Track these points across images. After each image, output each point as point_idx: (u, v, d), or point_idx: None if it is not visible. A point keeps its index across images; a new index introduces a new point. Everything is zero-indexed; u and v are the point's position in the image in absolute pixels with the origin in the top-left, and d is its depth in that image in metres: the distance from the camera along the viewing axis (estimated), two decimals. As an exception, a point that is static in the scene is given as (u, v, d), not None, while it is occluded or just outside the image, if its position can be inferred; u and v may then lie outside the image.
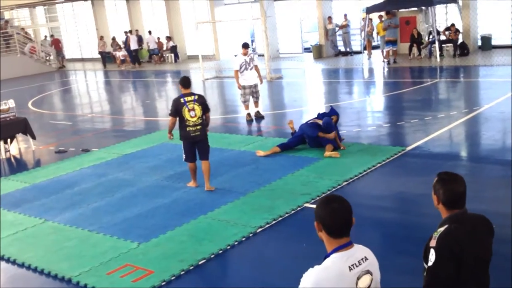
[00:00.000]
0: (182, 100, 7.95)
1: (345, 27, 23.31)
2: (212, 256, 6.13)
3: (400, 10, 21.49)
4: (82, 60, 34.02)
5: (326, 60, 22.99)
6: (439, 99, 14.39)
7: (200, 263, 6.00)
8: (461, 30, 20.11)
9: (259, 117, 13.09)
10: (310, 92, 17.34)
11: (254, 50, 25.45)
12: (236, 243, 6.40)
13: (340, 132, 10.14)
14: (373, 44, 22.65)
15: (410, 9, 21.28)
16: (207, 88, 19.09)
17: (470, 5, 20.00)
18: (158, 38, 28.44)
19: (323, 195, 7.36)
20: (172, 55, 27.88)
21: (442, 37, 20.21)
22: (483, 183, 7.49)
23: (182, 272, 5.82)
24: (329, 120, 9.72)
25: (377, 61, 21.09)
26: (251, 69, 12.81)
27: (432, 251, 2.95)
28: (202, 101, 8.05)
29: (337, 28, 23.78)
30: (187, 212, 7.43)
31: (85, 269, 6.07)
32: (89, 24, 33.09)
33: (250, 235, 6.59)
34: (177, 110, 7.94)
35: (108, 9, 31.91)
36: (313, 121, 10.02)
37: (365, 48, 22.26)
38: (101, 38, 29.60)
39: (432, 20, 19.59)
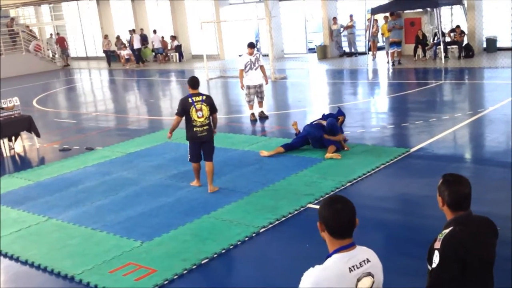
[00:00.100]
0: (190, 100, 7.91)
1: (350, 27, 23.28)
2: (215, 255, 6.13)
3: (405, 11, 21.46)
4: (87, 58, 34.08)
5: (330, 61, 22.98)
6: (444, 100, 14.37)
7: (203, 262, 6.00)
8: (466, 32, 20.06)
9: (263, 117, 13.08)
10: (314, 93, 17.33)
11: (258, 50, 25.44)
12: (239, 243, 6.41)
13: (344, 133, 10.13)
14: (378, 45, 22.60)
15: (415, 10, 21.25)
16: (211, 88, 19.10)
17: (476, 6, 19.96)
18: (162, 37, 28.46)
19: (327, 195, 7.36)
20: (177, 54, 27.91)
21: (447, 39, 20.17)
22: (487, 185, 7.47)
23: (185, 271, 5.83)
24: (333, 121, 9.70)
25: (382, 62, 21.07)
26: (256, 69, 12.80)
27: (436, 253, 2.95)
28: (209, 101, 8.02)
29: (341, 29, 23.76)
30: (191, 212, 7.44)
31: (88, 267, 6.08)
32: (94, 22, 33.15)
33: (253, 235, 6.59)
34: (184, 109, 7.91)
35: (113, 8, 31.96)
36: (317, 122, 10.01)
37: (369, 49, 22.23)
38: (106, 37, 29.64)
39: (437, 22, 19.56)
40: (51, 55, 31.71)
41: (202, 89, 17.94)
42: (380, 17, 21.33)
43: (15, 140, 12.38)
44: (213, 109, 8.09)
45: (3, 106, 11.96)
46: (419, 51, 20.53)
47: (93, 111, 17.00)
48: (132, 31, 28.46)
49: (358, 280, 2.62)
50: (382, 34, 21.17)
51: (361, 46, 23.95)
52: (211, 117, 8.05)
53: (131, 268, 5.95)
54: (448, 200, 3.08)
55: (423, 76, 18.14)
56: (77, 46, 34.85)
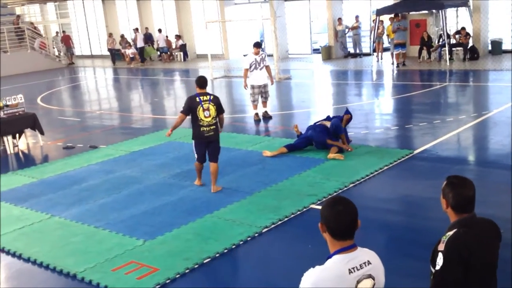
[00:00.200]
0: (197, 99, 7.86)
1: (356, 28, 23.26)
2: (217, 255, 6.13)
3: (411, 13, 21.42)
4: (92, 57, 34.15)
5: (335, 62, 22.96)
6: (448, 102, 14.34)
7: (205, 261, 6.00)
8: (471, 34, 20.02)
9: (267, 117, 13.08)
10: (319, 93, 17.32)
11: (263, 50, 25.44)
12: (241, 242, 6.41)
13: (348, 134, 10.13)
14: (384, 46, 22.54)
15: (420, 12, 21.21)
16: (216, 87, 19.10)
17: (481, 9, 19.92)
18: (166, 37, 28.50)
19: (330, 196, 7.35)
20: (181, 53, 27.93)
21: (452, 41, 20.13)
22: (491, 188, 7.45)
23: (187, 271, 5.83)
24: (337, 122, 9.68)
25: (387, 64, 21.04)
26: (261, 69, 12.79)
27: (440, 255, 2.94)
28: (217, 101, 7.97)
29: (346, 30, 23.73)
30: (193, 211, 7.44)
31: (90, 265, 6.09)
32: (99, 21, 33.22)
33: (256, 235, 6.59)
34: (190, 108, 7.86)
35: (119, 6, 32.01)
36: (320, 122, 9.99)
37: (374, 50, 22.21)
38: (110, 35, 29.72)
39: (443, 23, 19.50)
40: (57, 53, 31.78)
41: (207, 88, 17.95)
42: (386, 18, 21.29)
43: (19, 138, 12.41)
44: (220, 110, 8.05)
45: (8, 103, 11.99)
46: (424, 52, 20.49)
47: (97, 110, 17.03)
48: (136, 30, 28.52)
49: (358, 282, 2.61)
50: (388, 35, 21.13)
51: (366, 47, 23.92)
52: (217, 117, 8.01)
53: (133, 267, 5.95)
54: (452, 202, 3.07)
55: (428, 78, 18.11)
56: (82, 44, 34.92)
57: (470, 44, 19.97)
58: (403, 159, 9.07)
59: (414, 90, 15.83)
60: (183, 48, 27.92)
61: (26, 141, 12.63)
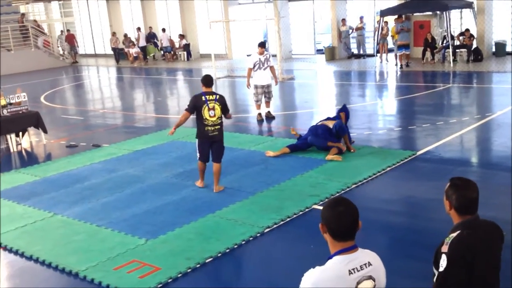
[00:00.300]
0: (203, 98, 7.80)
1: (360, 29, 23.24)
2: (219, 254, 6.13)
3: (415, 14, 21.40)
4: (95, 55, 34.20)
5: (338, 62, 22.94)
6: (451, 104, 14.32)
7: (207, 261, 6.00)
8: (475, 36, 19.99)
9: (270, 117, 13.08)
10: (322, 94, 17.31)
11: (267, 50, 25.46)
12: (243, 242, 6.41)
13: (351, 134, 10.12)
14: (389, 47, 22.49)
15: (424, 13, 21.18)
16: (219, 87, 19.11)
17: (486, 10, 19.88)
18: (169, 36, 28.54)
19: (332, 197, 7.34)
20: (185, 53, 27.95)
21: (456, 42, 20.10)
22: (494, 190, 7.44)
23: (189, 270, 5.83)
24: (340, 124, 9.68)
25: (390, 65, 21.02)
26: (264, 69, 12.78)
27: (443, 257, 2.94)
28: (222, 101, 7.93)
29: (350, 30, 23.72)
30: (196, 210, 7.44)
31: (93, 263, 6.09)
32: (103, 20, 33.26)
33: (258, 235, 6.59)
34: (195, 106, 7.80)
35: (123, 6, 32.05)
36: (322, 123, 9.99)
37: (378, 51, 22.18)
38: (114, 34, 29.76)
39: (447, 25, 19.49)
40: (61, 52, 31.84)
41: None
42: (391, 19, 21.24)
43: (23, 136, 12.44)
44: (225, 110, 8.02)
45: (11, 101, 12.01)
46: (428, 54, 20.45)
47: (100, 108, 17.05)
48: (138, 29, 28.58)
49: (358, 283, 2.60)
50: (392, 37, 21.10)
51: (370, 48, 23.89)
52: (222, 118, 7.97)
53: (135, 266, 5.96)
54: (455, 204, 3.06)
55: (431, 79, 18.08)
56: (86, 43, 34.98)
57: (474, 46, 19.94)
58: (406, 160, 9.06)
59: (417, 91, 15.81)
60: (186, 47, 27.94)
61: (29, 140, 12.65)
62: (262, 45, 12.95)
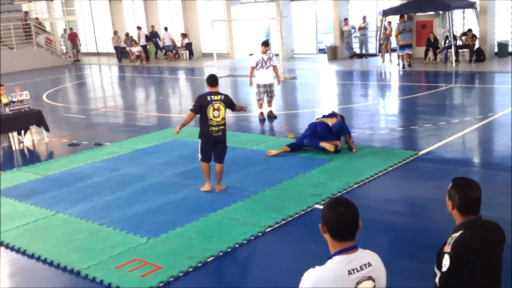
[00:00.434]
0: (208, 98, 7.74)
1: (363, 29, 23.22)
2: (221, 253, 6.14)
3: (417, 14, 21.38)
4: (98, 54, 34.22)
5: (340, 62, 22.93)
6: (454, 104, 14.31)
7: (208, 260, 6.00)
8: (477, 36, 19.96)
9: (271, 116, 13.07)
10: (324, 93, 17.31)
11: (269, 49, 25.46)
12: (245, 241, 6.41)
13: (352, 134, 10.12)
14: (392, 47, 22.45)
15: (427, 13, 21.16)
16: (221, 86, 19.09)
17: (488, 10, 19.86)
18: (172, 35, 28.57)
19: (334, 196, 7.33)
20: (187, 52, 27.95)
21: (459, 42, 20.08)
22: (495, 190, 7.42)
23: (190, 269, 5.83)
24: (340, 123, 9.69)
25: (393, 64, 21.00)
26: (267, 68, 12.78)
27: (446, 257, 2.94)
28: (227, 100, 7.88)
29: (352, 30, 23.70)
30: (197, 209, 7.44)
31: (94, 262, 6.10)
32: (106, 18, 33.28)
33: (259, 234, 6.59)
34: (200, 107, 7.74)
35: (125, 4, 32.05)
36: (321, 120, 10.02)
37: (380, 51, 22.16)
38: (115, 33, 29.80)
39: (449, 25, 19.46)
40: (64, 50, 31.88)
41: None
42: (395, 19, 21.20)
43: (25, 134, 12.45)
44: (232, 107, 8.00)
45: (13, 99, 12.03)
46: (430, 54, 20.44)
47: (102, 107, 17.06)
48: (138, 28, 28.63)
49: (358, 283, 2.60)
50: (396, 36, 21.07)
51: (372, 47, 23.88)
52: (225, 117, 7.92)
53: (136, 264, 5.96)
54: (458, 204, 3.07)
55: (434, 79, 18.07)
56: (88, 41, 35.00)
57: (477, 46, 19.92)
58: (408, 160, 9.05)
59: (419, 91, 15.80)
60: (188, 46, 27.94)
61: (31, 138, 12.67)
62: (266, 44, 12.93)
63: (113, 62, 29.86)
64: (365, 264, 2.64)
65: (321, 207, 7.17)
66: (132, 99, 18.91)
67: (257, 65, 12.75)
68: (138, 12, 31.34)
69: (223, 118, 7.85)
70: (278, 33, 19.56)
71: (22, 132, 12.33)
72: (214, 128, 7.79)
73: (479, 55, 19.63)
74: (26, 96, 12.27)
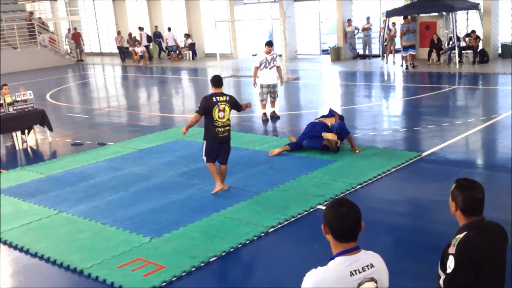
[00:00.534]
0: (214, 99, 7.72)
1: (367, 30, 23.21)
2: (223, 254, 6.14)
3: (421, 15, 21.36)
4: (101, 54, 34.27)
5: (343, 63, 22.92)
6: (457, 105, 14.29)
7: (211, 260, 6.01)
8: (481, 37, 19.94)
9: (274, 117, 13.08)
10: (327, 94, 17.30)
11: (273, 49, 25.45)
12: (247, 242, 6.41)
13: (355, 135, 10.12)
14: (396, 47, 22.43)
15: (430, 14, 21.14)
16: (224, 87, 19.03)
17: (492, 12, 19.82)
18: (175, 35, 28.60)
19: (336, 197, 7.33)
20: (190, 52, 27.98)
21: (462, 43, 20.05)
22: (498, 192, 7.40)
23: (193, 269, 5.83)
24: (341, 124, 9.70)
25: (396, 65, 20.98)
26: (270, 68, 12.77)
27: (451, 258, 2.94)
28: (232, 101, 7.87)
29: (356, 31, 23.69)
30: (200, 209, 7.45)
31: (97, 261, 6.11)
32: (109, 19, 33.33)
33: (262, 234, 6.59)
34: (206, 108, 7.70)
35: (129, 5, 32.10)
36: (320, 120, 10.04)
37: (383, 52, 22.15)
38: (119, 33, 29.85)
39: (453, 26, 19.44)
40: (69, 50, 31.93)
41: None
42: (399, 20, 21.16)
43: (28, 133, 12.48)
44: (237, 107, 7.98)
45: (17, 99, 12.06)
46: (434, 55, 20.42)
47: (105, 107, 17.09)
48: (140, 29, 28.67)
49: (360, 284, 2.60)
50: (400, 37, 21.04)
51: (376, 48, 23.86)
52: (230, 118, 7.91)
53: (139, 264, 5.97)
54: (461, 205, 3.06)
55: (437, 80, 18.05)
56: (92, 41, 35.06)
57: (480, 47, 19.89)
58: (411, 161, 9.04)
59: (423, 92, 15.78)
60: (192, 47, 27.97)
61: (35, 137, 12.69)
62: (270, 44, 12.93)
63: (116, 62, 29.90)
64: (367, 265, 2.64)
65: (324, 208, 7.18)
66: (135, 99, 18.94)
67: (260, 65, 12.75)
68: (141, 12, 31.37)
69: (228, 119, 7.84)
70: (281, 34, 19.56)
71: (26, 131, 12.36)
72: (220, 129, 7.77)
73: (482, 57, 19.60)
74: (30, 95, 12.30)
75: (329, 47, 25.10)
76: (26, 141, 12.31)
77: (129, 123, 14.22)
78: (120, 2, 32.11)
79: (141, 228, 6.94)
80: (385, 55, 22.03)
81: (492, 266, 2.98)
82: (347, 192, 7.77)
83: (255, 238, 6.50)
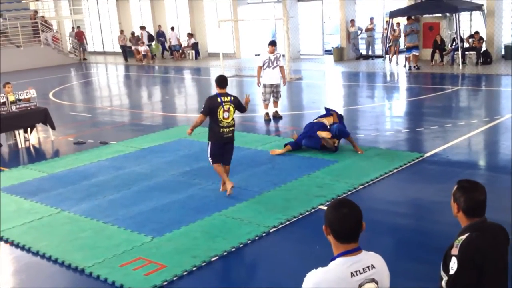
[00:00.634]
0: (218, 99, 7.67)
1: (370, 30, 23.19)
2: (225, 253, 6.14)
3: (424, 16, 21.33)
4: (104, 53, 34.30)
5: (346, 63, 22.90)
6: (460, 106, 14.27)
7: (212, 259, 6.01)
8: (484, 38, 19.90)
9: (277, 117, 13.07)
10: (329, 94, 17.29)
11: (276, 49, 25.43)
12: (249, 241, 6.41)
13: (357, 135, 10.11)
14: (400, 48, 22.40)
15: (434, 15, 21.11)
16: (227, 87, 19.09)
17: (495, 13, 19.79)
18: (178, 35, 28.62)
19: (338, 197, 7.33)
20: (193, 52, 27.98)
21: (465, 45, 20.02)
22: (501, 193, 7.39)
23: (194, 268, 5.83)
24: (340, 127, 9.70)
25: (399, 66, 20.96)
26: (274, 68, 12.76)
27: (454, 260, 2.93)
28: (236, 102, 7.83)
29: (359, 31, 23.67)
30: (202, 209, 7.45)
31: (99, 260, 6.11)
32: (112, 17, 33.36)
33: (264, 234, 6.59)
34: (210, 108, 7.65)
35: (132, 4, 32.12)
36: (318, 120, 10.05)
37: (386, 53, 22.13)
38: (122, 32, 29.87)
39: (456, 27, 19.41)
40: (73, 50, 31.97)
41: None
42: (404, 20, 21.13)
43: (31, 132, 12.49)
44: (241, 108, 7.95)
45: (20, 97, 12.07)
46: (437, 56, 20.39)
47: (108, 106, 17.10)
48: (142, 28, 28.68)
49: (361, 285, 2.59)
50: (405, 38, 21.00)
51: (379, 49, 23.84)
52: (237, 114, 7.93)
53: (141, 263, 5.97)
54: (463, 206, 3.06)
55: (440, 81, 18.01)
56: (95, 40, 35.10)
57: (483, 49, 19.85)
58: (413, 162, 9.03)
59: (425, 93, 15.76)
60: (195, 46, 27.97)
61: (38, 136, 12.71)
62: (273, 43, 12.91)
63: (119, 61, 29.93)
64: (368, 266, 2.63)
65: (326, 208, 7.16)
66: (137, 98, 18.95)
67: (264, 64, 12.74)
68: (144, 11, 31.39)
69: (233, 119, 7.81)
70: (284, 34, 19.54)
71: (28, 130, 12.37)
72: (225, 129, 7.74)
73: (485, 58, 19.57)
74: (33, 94, 12.32)
75: (332, 47, 25.08)
76: (28, 140, 12.33)
77: (131, 122, 14.23)
78: (123, 1, 32.13)
79: (142, 227, 6.94)
80: (387, 55, 22.00)
81: (495, 268, 2.98)
82: (349, 192, 7.76)
83: (257, 238, 6.50)
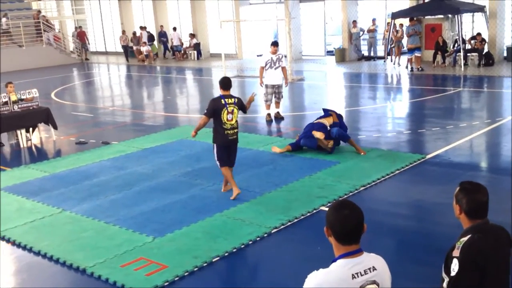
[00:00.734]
0: (222, 101, 7.63)
1: (372, 31, 23.18)
2: (226, 254, 6.14)
3: (426, 17, 21.31)
4: (106, 53, 34.34)
5: (348, 64, 22.90)
6: (462, 108, 14.25)
7: (214, 260, 6.01)
8: (487, 40, 19.88)
9: (279, 118, 13.07)
10: (331, 95, 17.29)
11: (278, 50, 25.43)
12: (250, 242, 6.41)
13: (359, 136, 10.11)
14: (403, 49, 22.38)
15: (436, 16, 21.09)
16: (229, 87, 19.08)
17: (498, 14, 19.77)
18: (180, 35, 28.64)
19: (340, 198, 7.33)
20: (195, 52, 28.00)
21: (467, 46, 20.00)
22: (502, 195, 7.39)
23: (196, 269, 5.83)
24: (340, 132, 9.69)
25: (401, 68, 20.95)
26: (276, 69, 12.76)
27: (455, 261, 2.93)
28: (240, 103, 7.81)
29: (361, 33, 23.66)
30: (203, 209, 7.45)
31: (100, 260, 6.12)
32: (114, 18, 33.39)
33: (265, 235, 6.59)
34: (214, 110, 7.61)
35: (134, 5, 32.15)
36: (318, 121, 10.05)
37: (388, 54, 22.12)
38: (123, 32, 29.90)
39: (458, 28, 19.40)
40: (75, 50, 32.01)
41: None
42: (406, 21, 21.11)
43: (33, 132, 12.50)
44: (243, 109, 7.93)
45: (22, 97, 12.09)
46: (439, 57, 20.38)
47: (110, 106, 17.12)
48: (142, 28, 28.70)
49: (362, 287, 2.59)
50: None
51: (381, 50, 23.83)
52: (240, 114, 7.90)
53: (142, 263, 5.97)
54: (466, 208, 3.05)
55: (442, 82, 18.00)
56: (97, 40, 35.13)
57: (486, 50, 19.84)
58: (415, 163, 9.03)
59: (427, 94, 15.75)
60: (197, 46, 27.99)
61: (39, 135, 12.72)
62: (275, 44, 12.91)
63: (121, 61, 29.95)
64: (369, 268, 2.62)
65: (327, 209, 7.16)
66: (139, 98, 18.96)
67: (266, 65, 12.75)
68: (147, 11, 31.42)
69: (237, 121, 7.79)
70: (286, 35, 19.54)
71: (30, 129, 12.38)
72: (229, 132, 7.71)
73: (488, 59, 19.55)
74: (35, 94, 12.33)
75: (334, 48, 25.08)
76: (30, 139, 12.34)
77: (133, 122, 14.24)
78: (125, 1, 32.17)
79: (144, 228, 6.94)
80: (389, 56, 21.98)
81: (496, 270, 2.97)
82: (351, 193, 7.76)
83: (258, 238, 6.50)
